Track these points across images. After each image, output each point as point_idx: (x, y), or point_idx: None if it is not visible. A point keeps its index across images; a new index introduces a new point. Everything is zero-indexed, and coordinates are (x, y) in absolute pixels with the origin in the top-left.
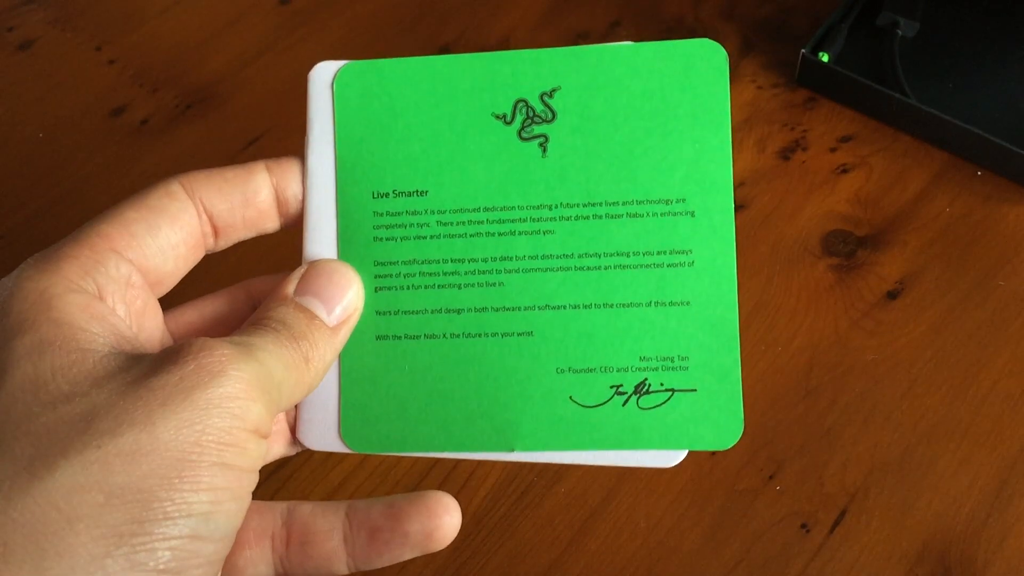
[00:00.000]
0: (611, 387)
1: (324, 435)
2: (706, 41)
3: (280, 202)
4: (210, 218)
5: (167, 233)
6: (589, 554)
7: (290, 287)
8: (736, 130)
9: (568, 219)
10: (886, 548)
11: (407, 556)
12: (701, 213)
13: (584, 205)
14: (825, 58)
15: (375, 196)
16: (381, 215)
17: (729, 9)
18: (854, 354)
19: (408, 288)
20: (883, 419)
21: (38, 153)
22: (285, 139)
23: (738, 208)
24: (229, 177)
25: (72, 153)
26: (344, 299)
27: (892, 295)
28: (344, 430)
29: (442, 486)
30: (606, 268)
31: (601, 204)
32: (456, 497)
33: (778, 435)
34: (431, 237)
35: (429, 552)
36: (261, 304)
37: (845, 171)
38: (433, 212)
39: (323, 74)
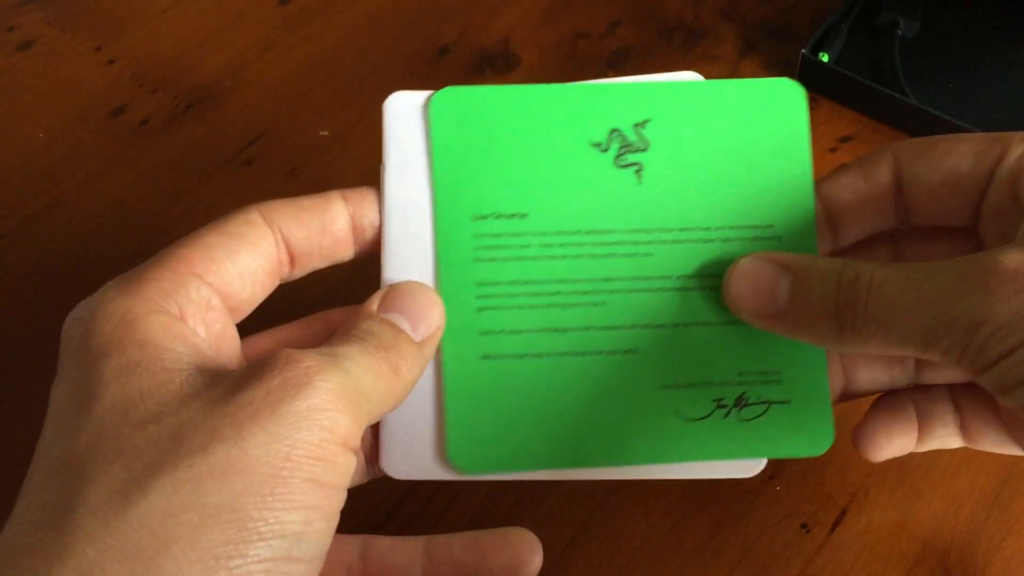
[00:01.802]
0: (713, 401)
1: (414, 462)
2: (786, 80)
3: (356, 230)
4: (287, 246)
5: (246, 259)
6: (589, 554)
7: (374, 305)
8: None
9: (665, 243)
10: (886, 548)
11: None
12: (787, 237)
13: (679, 230)
14: (825, 58)
15: (475, 219)
16: (482, 237)
17: (729, 9)
18: None
19: (512, 308)
20: None
21: (38, 153)
22: (285, 139)
23: None
24: (306, 206)
25: (72, 153)
26: (428, 316)
27: None
28: (452, 452)
29: (440, 488)
30: (703, 288)
31: (695, 229)
32: (456, 498)
33: None
34: (533, 258)
35: None
36: (344, 324)
37: None
38: (535, 234)
39: (398, 104)
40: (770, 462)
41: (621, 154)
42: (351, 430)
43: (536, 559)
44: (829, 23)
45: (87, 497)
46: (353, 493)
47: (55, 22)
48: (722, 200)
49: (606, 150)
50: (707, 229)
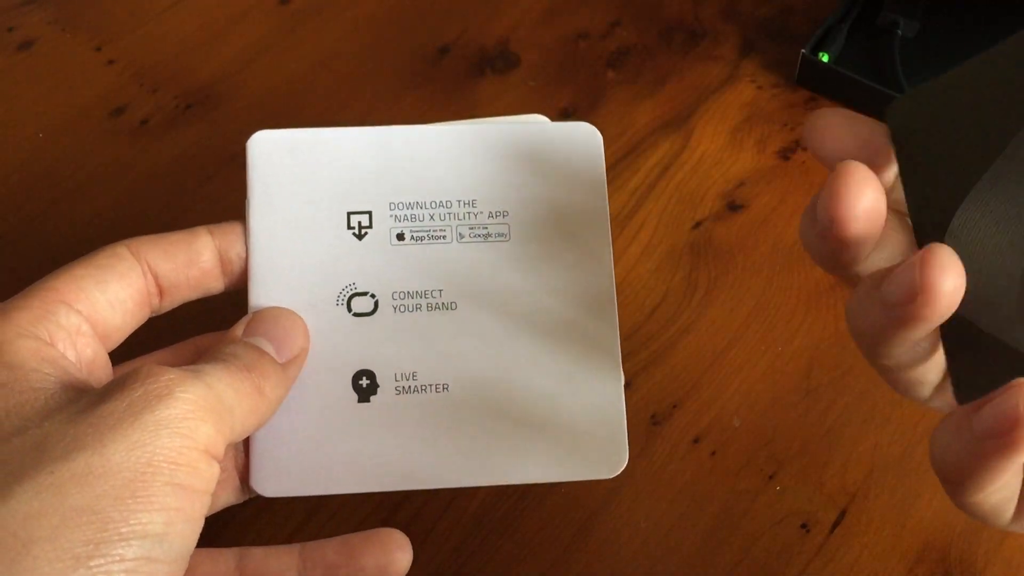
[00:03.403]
0: None
1: (283, 479)
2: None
3: (224, 262)
4: (155, 278)
5: (115, 288)
6: (589, 554)
7: (239, 330)
8: (736, 130)
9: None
10: (886, 548)
11: None
12: None
13: None
14: (825, 58)
15: None
16: None
17: (729, 9)
18: (854, 354)
19: None
20: (883, 419)
21: (38, 153)
22: None
23: (738, 208)
24: (173, 240)
25: (72, 153)
26: (291, 339)
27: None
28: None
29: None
30: None
31: None
32: (456, 498)
33: (778, 435)
34: None
35: None
36: (210, 349)
37: None
38: None
39: (261, 140)
40: (770, 462)
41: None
42: (212, 438)
43: (405, 557)
44: (829, 23)
45: None
46: (344, 502)
47: (55, 22)
48: None
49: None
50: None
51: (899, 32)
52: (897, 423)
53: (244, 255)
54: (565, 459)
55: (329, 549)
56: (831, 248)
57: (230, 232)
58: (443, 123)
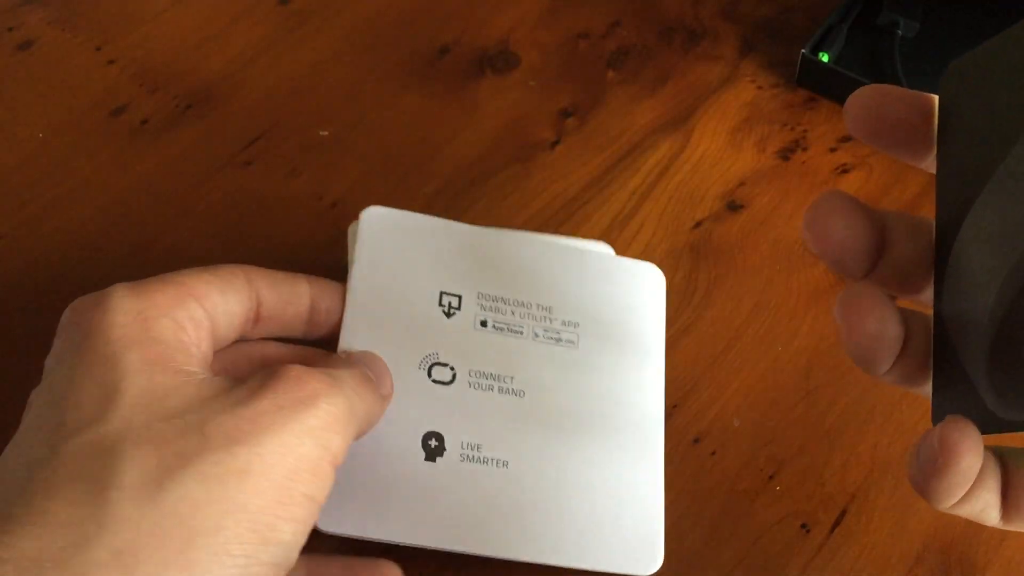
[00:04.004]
0: None
1: (341, 519)
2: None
3: (314, 311)
4: (258, 306)
5: (231, 301)
6: None
7: (348, 354)
8: (736, 130)
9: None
10: (886, 548)
11: None
12: None
13: None
14: (825, 58)
15: None
16: None
17: (729, 9)
18: None
19: None
20: (883, 419)
21: (38, 153)
22: (285, 139)
23: (738, 208)
24: (280, 277)
25: (72, 153)
26: (385, 378)
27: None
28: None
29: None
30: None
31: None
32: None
33: (778, 435)
34: None
35: None
36: (326, 358)
37: (845, 171)
38: None
39: (372, 216)
40: (770, 462)
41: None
42: (341, 449)
43: None
44: (829, 23)
45: (122, 479)
46: None
47: (55, 22)
48: None
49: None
50: None
51: (899, 32)
52: (897, 423)
53: (335, 309)
54: (604, 551)
55: (333, 568)
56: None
57: (327, 287)
58: (529, 233)
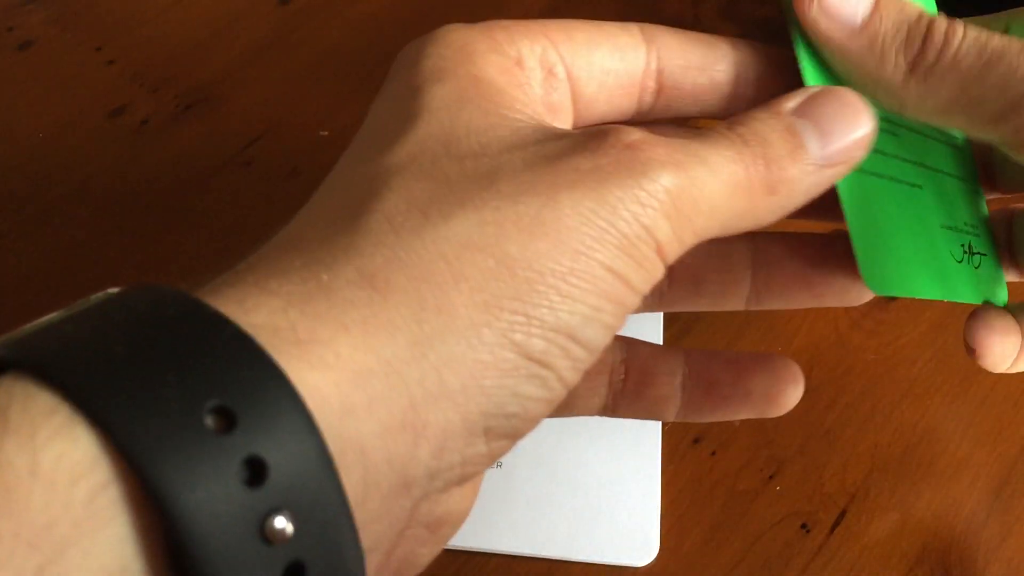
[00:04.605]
0: (961, 246)
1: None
2: None
3: (739, 83)
4: (659, 72)
5: (605, 54)
6: None
7: (790, 103)
8: None
9: None
10: (886, 548)
11: (741, 416)
12: None
13: None
14: None
15: None
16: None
17: (728, 8)
18: (854, 354)
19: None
20: (883, 419)
21: (38, 153)
22: (285, 139)
23: None
24: (692, 37)
25: (72, 153)
26: (848, 138)
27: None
28: (863, 270)
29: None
30: (949, 144)
31: None
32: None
33: (778, 435)
34: None
35: (765, 416)
36: (738, 116)
37: None
38: None
39: None
40: (770, 462)
41: None
42: (670, 239)
43: (796, 391)
44: None
45: (385, 204)
46: None
47: (55, 22)
48: None
49: None
50: None
51: None
52: (897, 423)
53: (768, 82)
54: (599, 543)
55: (716, 364)
56: None
57: (758, 51)
58: None
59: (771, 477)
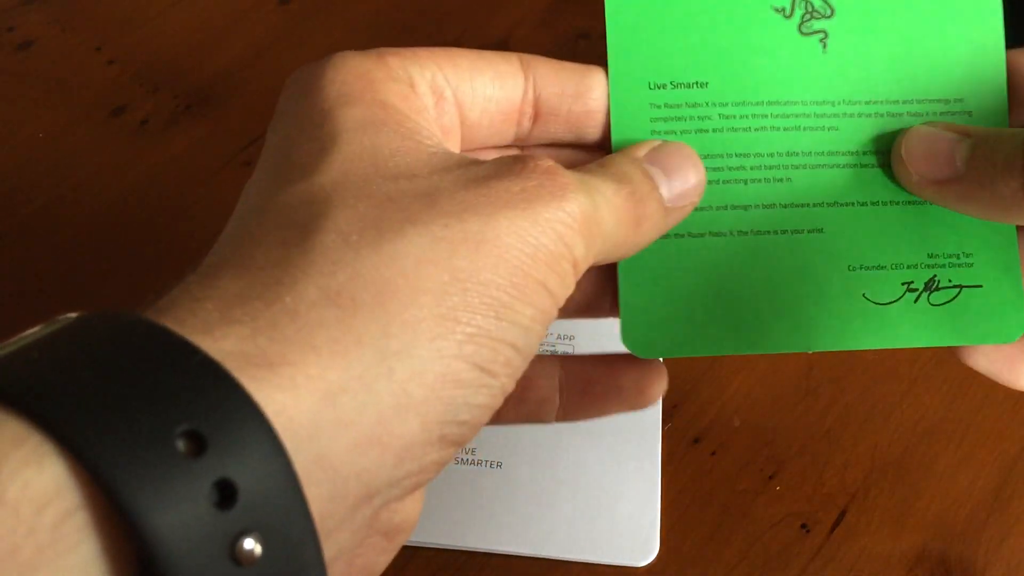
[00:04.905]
0: (903, 284)
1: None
2: None
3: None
4: (535, 98)
5: (487, 82)
6: None
7: (641, 151)
8: None
9: (851, 116)
10: (886, 548)
11: (615, 411)
12: (977, 113)
13: (866, 103)
14: None
15: (652, 87)
16: (659, 107)
17: None
18: (854, 354)
19: None
20: (883, 419)
21: (38, 153)
22: None
23: None
24: (567, 66)
25: (72, 153)
26: (687, 183)
27: None
28: (624, 334)
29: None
30: (887, 165)
31: (882, 102)
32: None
33: (778, 435)
34: (713, 131)
35: (636, 409)
36: (604, 159)
37: None
38: (714, 105)
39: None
40: (770, 462)
41: (805, 20)
42: (584, 257)
43: (661, 385)
44: None
45: (335, 223)
46: None
47: (55, 22)
48: (910, 71)
49: (790, 16)
50: (895, 102)
51: None
52: (897, 423)
53: None
54: (599, 543)
55: (589, 365)
56: None
57: None
58: None
59: (771, 477)
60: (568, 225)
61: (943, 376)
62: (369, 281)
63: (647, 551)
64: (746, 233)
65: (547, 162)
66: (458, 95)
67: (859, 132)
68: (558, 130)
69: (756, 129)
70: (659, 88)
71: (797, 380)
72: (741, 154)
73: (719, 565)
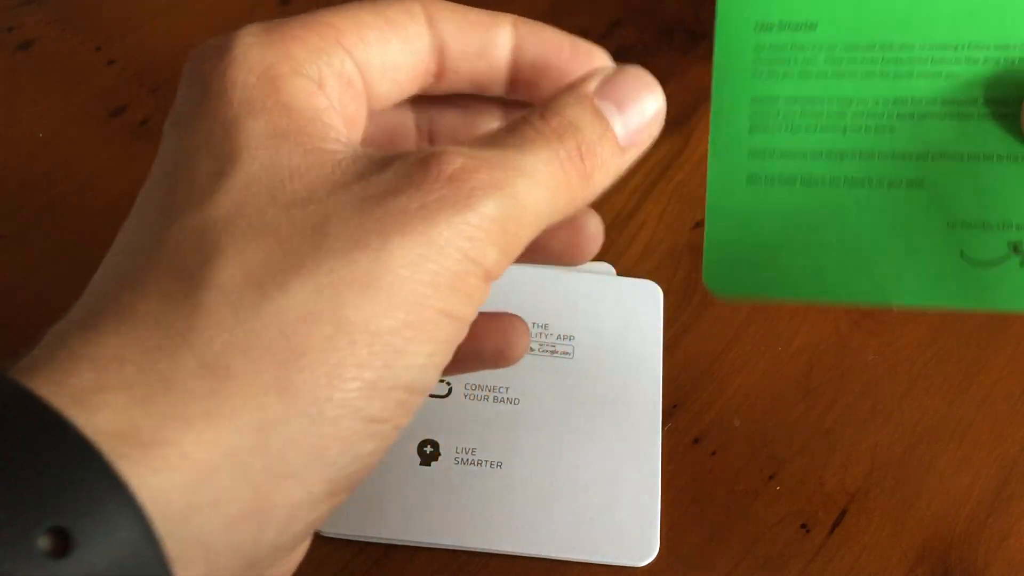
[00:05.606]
0: (1008, 243)
1: (338, 522)
2: None
3: (516, 65)
4: (440, 55)
5: (396, 51)
6: None
7: (591, 85)
8: None
9: (973, 62)
10: (886, 548)
11: (480, 370)
12: None
13: (994, 47)
14: None
15: (758, 28)
16: (764, 49)
17: None
18: (854, 354)
19: (787, 129)
20: (883, 419)
21: (38, 153)
22: None
23: None
24: (473, 20)
25: (72, 153)
26: (644, 116)
27: None
28: (706, 273)
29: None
30: (1009, 117)
31: (1013, 47)
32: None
33: (778, 435)
34: (817, 75)
35: (499, 367)
36: (552, 97)
37: None
38: (822, 48)
39: None
40: (770, 462)
41: None
42: (499, 263)
43: (523, 342)
44: None
45: (220, 277)
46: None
47: (55, 22)
48: None
49: None
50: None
51: None
52: (897, 423)
53: (548, 63)
54: (599, 543)
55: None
56: None
57: (538, 31)
58: (529, 266)
59: (771, 477)
60: (474, 238)
61: (943, 376)
62: (246, 347)
63: (647, 551)
64: (839, 183)
65: (454, 164)
66: (366, 75)
67: (979, 80)
68: (459, 84)
69: (862, 74)
70: (765, 29)
71: (797, 380)
72: (843, 99)
73: (719, 565)
